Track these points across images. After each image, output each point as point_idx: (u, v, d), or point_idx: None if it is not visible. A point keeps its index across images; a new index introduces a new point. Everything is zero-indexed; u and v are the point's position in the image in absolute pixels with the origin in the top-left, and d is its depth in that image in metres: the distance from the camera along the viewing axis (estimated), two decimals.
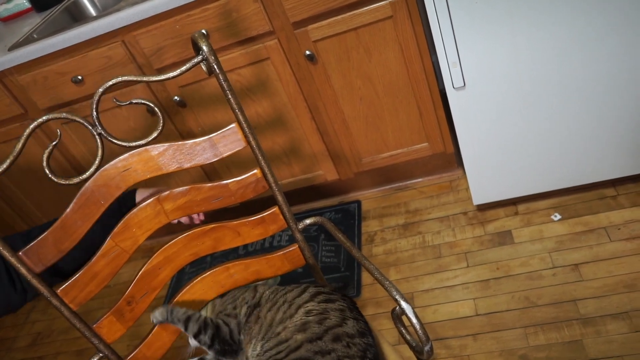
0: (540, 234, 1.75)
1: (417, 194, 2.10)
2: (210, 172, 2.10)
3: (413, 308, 0.89)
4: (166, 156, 1.07)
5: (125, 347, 1.91)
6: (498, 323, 1.57)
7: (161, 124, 1.05)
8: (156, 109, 1.04)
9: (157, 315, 1.13)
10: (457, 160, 2.07)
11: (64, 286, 1.05)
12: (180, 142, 1.06)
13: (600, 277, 1.56)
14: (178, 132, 1.97)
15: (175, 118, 1.94)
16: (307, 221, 1.21)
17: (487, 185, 1.81)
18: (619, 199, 1.75)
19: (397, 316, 0.95)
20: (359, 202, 2.17)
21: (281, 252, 1.22)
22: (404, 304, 0.89)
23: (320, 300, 1.07)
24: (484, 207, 1.92)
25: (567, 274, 1.61)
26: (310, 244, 2.08)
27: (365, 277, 1.88)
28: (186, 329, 1.10)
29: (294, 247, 1.22)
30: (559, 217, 1.78)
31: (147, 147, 1.05)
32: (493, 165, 1.75)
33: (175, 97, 1.85)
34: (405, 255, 1.89)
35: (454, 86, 1.56)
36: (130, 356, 1.15)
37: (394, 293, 0.91)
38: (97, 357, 1.12)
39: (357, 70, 1.77)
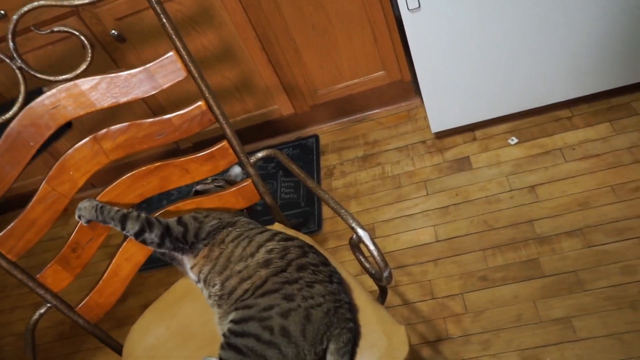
0: (498, 158, 1.75)
1: (375, 125, 2.06)
2: (158, 110, 1.99)
3: (370, 235, 0.86)
4: (99, 90, 0.98)
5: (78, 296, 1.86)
6: (458, 247, 1.58)
7: (89, 55, 0.95)
8: (82, 37, 0.94)
9: (83, 211, 1.04)
10: (414, 88, 2.02)
11: None
12: (114, 74, 0.97)
13: (556, 197, 1.58)
14: None
15: (115, 55, 1.80)
16: (259, 154, 1.15)
17: (445, 112, 1.78)
18: (574, 120, 1.76)
19: (355, 244, 0.93)
20: (316, 137, 2.12)
21: (234, 188, 1.17)
22: (360, 232, 0.87)
23: (280, 239, 1.04)
24: (442, 135, 1.90)
25: (524, 195, 1.62)
26: (269, 181, 2.03)
27: (326, 211, 1.86)
28: (123, 227, 1.03)
29: (247, 182, 1.17)
30: (515, 140, 1.78)
31: (77, 81, 0.96)
32: (450, 92, 1.71)
33: (113, 31, 1.71)
34: (365, 187, 1.87)
35: (409, 7, 1.48)
36: (81, 305, 1.10)
37: (350, 221, 0.88)
38: (45, 308, 1.07)
39: None
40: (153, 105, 1.97)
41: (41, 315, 1.06)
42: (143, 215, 1.05)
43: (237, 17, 1.71)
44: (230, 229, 1.08)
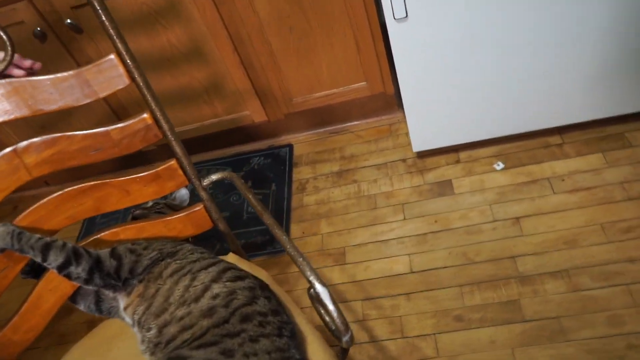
0: (482, 184, 1.63)
1: (353, 138, 1.92)
2: (120, 111, 1.82)
3: (330, 293, 0.72)
4: (19, 94, 0.82)
5: None
6: (433, 281, 1.46)
7: (9, 54, 0.79)
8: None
9: None
10: (397, 102, 1.89)
11: None
12: (33, 78, 0.81)
13: (541, 232, 1.47)
14: (77, 65, 1.67)
15: (71, 46, 1.63)
16: (214, 177, 1.01)
17: (428, 130, 1.65)
18: (565, 148, 1.64)
19: (313, 297, 0.79)
20: (290, 146, 1.98)
21: (183, 214, 1.02)
22: (319, 287, 0.73)
23: (227, 278, 0.90)
24: (424, 154, 1.77)
25: (508, 228, 1.50)
26: (234, 193, 1.88)
27: (295, 230, 1.72)
28: (45, 259, 0.87)
29: (199, 207, 1.02)
30: (501, 166, 1.66)
31: None
32: (434, 109, 1.58)
33: (68, 20, 1.54)
34: (339, 205, 1.74)
35: (395, 17, 1.35)
36: None
37: (308, 274, 0.74)
38: None
39: None
40: (115, 105, 1.81)
41: None
42: (70, 245, 0.90)
43: (208, 14, 1.56)
44: (169, 260, 0.93)
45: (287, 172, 1.89)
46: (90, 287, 0.92)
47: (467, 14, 1.34)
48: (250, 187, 1.88)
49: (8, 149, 0.86)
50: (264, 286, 0.92)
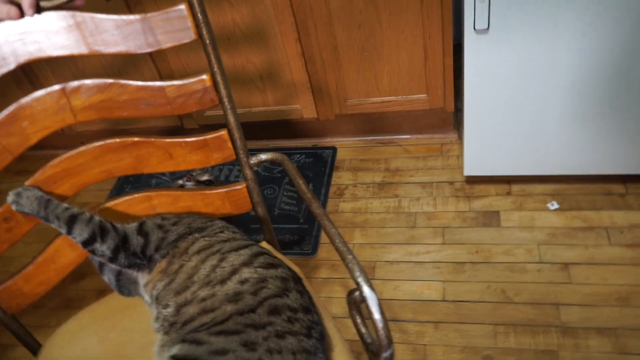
0: (532, 221, 1.52)
1: (401, 152, 1.84)
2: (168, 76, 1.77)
3: (378, 300, 0.64)
4: (81, 31, 0.76)
5: None
6: (466, 314, 1.35)
7: None
8: None
9: (24, 199, 0.83)
10: (454, 122, 1.80)
11: None
12: (98, 15, 0.75)
13: (592, 283, 1.35)
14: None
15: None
16: (263, 156, 0.93)
17: (484, 155, 1.56)
18: (628, 199, 1.52)
19: (355, 302, 0.70)
20: (334, 149, 1.90)
21: (223, 190, 0.95)
22: (367, 291, 0.64)
23: (259, 264, 0.82)
24: (473, 180, 1.67)
25: (555, 272, 1.39)
26: (270, 186, 1.81)
27: (326, 236, 1.63)
28: (70, 231, 0.82)
29: (241, 185, 0.95)
30: (556, 206, 1.55)
31: (54, 13, 0.75)
32: (495, 133, 1.49)
33: None
34: (376, 218, 1.65)
35: (475, 27, 1.27)
36: (0, 287, 0.88)
37: (357, 273, 0.66)
38: None
39: None
40: (165, 74, 1.77)
41: None
42: (97, 218, 0.84)
43: None
44: (197, 235, 0.86)
45: (327, 174, 1.82)
46: (114, 266, 0.85)
47: (552, 37, 1.25)
48: (287, 183, 1.81)
49: (56, 86, 0.80)
50: (297, 279, 0.84)
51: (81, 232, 0.82)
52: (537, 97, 1.38)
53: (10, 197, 0.82)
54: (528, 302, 1.35)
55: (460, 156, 1.75)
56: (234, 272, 0.81)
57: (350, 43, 1.58)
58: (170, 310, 0.81)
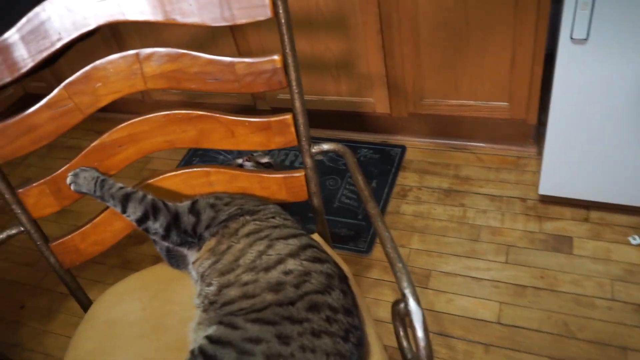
0: (608, 253, 1.40)
1: (473, 160, 1.75)
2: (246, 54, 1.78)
3: (424, 316, 0.59)
4: None
5: (56, 229, 1.72)
6: (521, 341, 1.26)
7: None
8: None
9: (81, 179, 0.85)
10: (534, 135, 1.69)
11: None
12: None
13: None
14: None
15: None
16: (325, 146, 0.90)
17: (563, 175, 1.44)
18: None
19: (399, 313, 0.66)
20: (403, 148, 1.84)
21: (280, 175, 0.93)
22: (412, 305, 0.60)
23: (306, 257, 0.79)
24: (548, 200, 1.56)
25: (627, 313, 1.27)
26: (333, 177, 1.78)
27: None
28: (124, 210, 0.84)
29: (299, 173, 0.92)
30: (638, 241, 1.41)
31: None
32: (579, 153, 1.38)
33: None
34: (437, 225, 1.58)
35: (573, 36, 1.17)
36: (57, 242, 0.90)
37: (405, 284, 0.61)
38: (16, 230, 0.88)
39: None
40: (244, 52, 1.78)
41: (9, 236, 0.88)
42: (149, 197, 0.85)
43: None
44: (248, 217, 0.85)
45: (392, 173, 1.76)
46: (165, 244, 0.86)
47: None
48: (349, 177, 1.77)
49: (131, 51, 0.81)
50: (343, 277, 0.81)
51: (135, 211, 0.84)
52: (629, 119, 1.26)
53: (69, 178, 0.86)
54: (592, 340, 1.24)
55: (536, 173, 1.64)
56: (279, 261, 0.78)
57: (433, 41, 1.51)
58: (212, 289, 0.80)
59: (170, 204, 0.86)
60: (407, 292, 0.60)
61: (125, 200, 0.84)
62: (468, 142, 1.78)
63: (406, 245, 1.54)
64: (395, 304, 0.65)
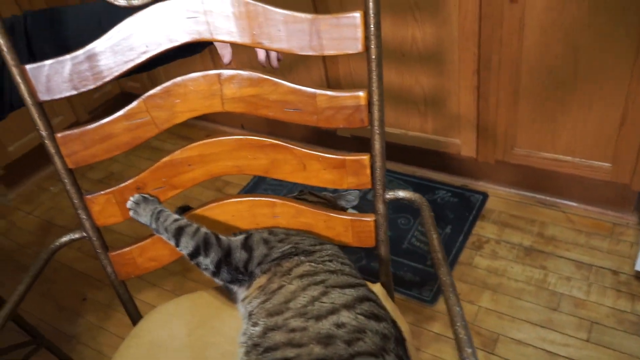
0: None
1: (562, 219, 1.60)
2: (334, 80, 1.75)
3: None
4: (241, 21, 0.73)
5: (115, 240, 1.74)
6: None
7: None
8: None
9: (141, 210, 0.84)
10: (636, 203, 1.51)
11: (65, 133, 0.80)
12: (270, 7, 0.71)
13: None
14: (314, 10, 1.60)
15: None
16: (401, 194, 0.83)
17: None
18: None
19: None
20: (485, 195, 1.72)
21: (349, 217, 0.87)
22: None
23: (362, 311, 0.72)
24: None
25: None
26: (405, 216, 1.70)
27: None
28: (177, 243, 0.82)
29: (369, 217, 0.86)
30: None
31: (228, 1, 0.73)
32: None
33: None
34: (512, 285, 1.45)
35: None
36: (116, 253, 0.89)
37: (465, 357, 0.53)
38: (79, 235, 0.88)
39: (565, 31, 1.27)
40: (332, 77, 1.75)
41: (72, 240, 0.88)
42: (202, 230, 0.82)
43: (467, 24, 1.38)
44: (303, 258, 0.79)
45: (469, 220, 1.65)
46: (217, 280, 0.83)
47: None
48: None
49: (214, 71, 0.78)
50: (399, 341, 0.73)
51: (187, 245, 0.81)
52: None
53: (130, 203, 0.85)
54: None
55: (635, 245, 1.47)
56: (332, 311, 0.72)
57: (534, 88, 1.40)
58: (258, 330, 0.75)
59: (223, 238, 0.82)
60: None
61: (178, 234, 0.82)
62: (559, 200, 1.63)
63: (475, 301, 1.42)
64: None
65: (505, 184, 1.71)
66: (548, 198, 1.65)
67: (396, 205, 1.73)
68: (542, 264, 1.48)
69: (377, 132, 0.77)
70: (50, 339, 1.36)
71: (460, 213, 1.68)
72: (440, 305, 1.44)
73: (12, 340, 1.26)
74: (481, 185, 1.76)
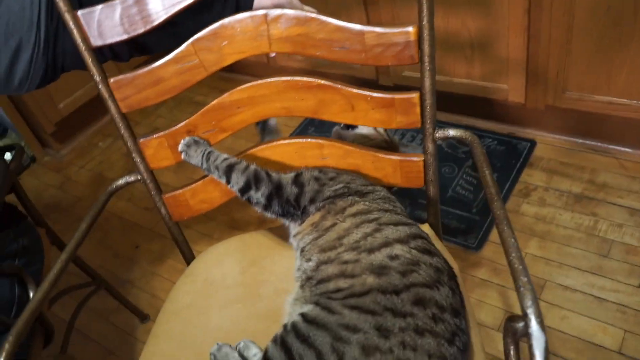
0: None
1: (614, 166, 1.55)
2: None
3: (547, 340, 0.50)
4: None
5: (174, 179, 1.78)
6: None
7: None
8: None
9: (192, 151, 0.86)
10: None
11: (118, 78, 0.82)
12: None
13: None
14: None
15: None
16: (451, 132, 0.82)
17: None
18: None
19: (515, 332, 0.57)
20: (533, 143, 1.68)
21: (397, 157, 0.86)
22: (534, 329, 0.51)
23: (415, 246, 0.73)
24: None
25: None
26: (449, 164, 1.68)
27: (495, 234, 1.47)
28: (228, 180, 0.84)
29: (418, 158, 0.85)
30: None
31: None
32: None
33: None
34: (561, 232, 1.42)
35: None
36: (169, 195, 0.92)
37: (529, 302, 0.53)
38: (134, 178, 0.91)
39: None
40: (374, 23, 1.70)
41: (127, 183, 0.91)
42: (252, 167, 0.84)
43: None
44: (357, 198, 0.80)
45: (517, 168, 1.62)
46: (268, 214, 0.84)
47: None
48: (470, 166, 1.66)
49: (260, 12, 0.78)
50: (452, 275, 0.74)
51: (237, 181, 0.83)
52: None
53: (181, 146, 0.86)
54: None
55: None
56: (385, 244, 0.73)
57: (589, 26, 1.33)
58: (311, 264, 0.77)
59: (273, 173, 0.84)
60: (530, 312, 0.52)
61: (228, 171, 0.84)
62: (611, 145, 1.57)
63: (522, 248, 1.41)
64: (512, 320, 0.57)
65: (554, 130, 1.66)
66: (600, 144, 1.59)
67: (440, 155, 1.71)
68: (593, 211, 1.45)
69: (428, 68, 0.76)
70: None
71: (507, 161, 1.64)
72: (486, 251, 1.43)
73: (75, 282, 1.33)
74: (529, 133, 1.71)
